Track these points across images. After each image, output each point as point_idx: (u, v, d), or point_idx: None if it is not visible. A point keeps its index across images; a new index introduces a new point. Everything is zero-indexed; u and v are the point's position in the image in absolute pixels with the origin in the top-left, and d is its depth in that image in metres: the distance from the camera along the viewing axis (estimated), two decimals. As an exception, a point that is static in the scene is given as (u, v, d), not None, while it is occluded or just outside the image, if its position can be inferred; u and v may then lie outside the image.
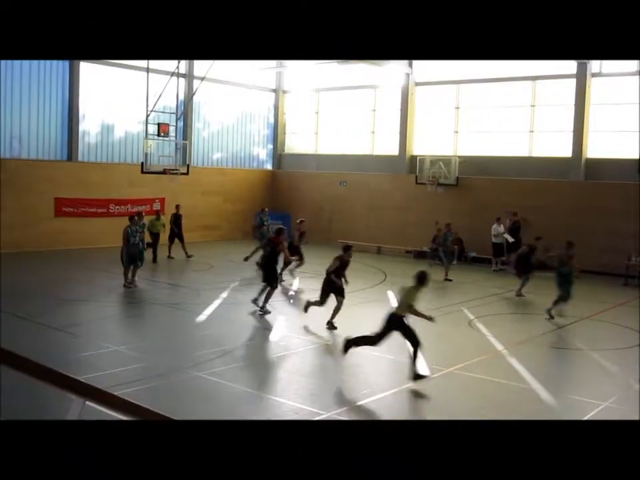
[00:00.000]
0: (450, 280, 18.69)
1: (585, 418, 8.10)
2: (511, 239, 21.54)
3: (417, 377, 8.97)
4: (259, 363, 10.62)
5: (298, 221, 19.41)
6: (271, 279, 13.63)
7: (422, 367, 9.02)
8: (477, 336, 12.52)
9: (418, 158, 25.84)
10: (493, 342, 12.18)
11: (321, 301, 12.44)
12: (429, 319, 9.12)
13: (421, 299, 9.07)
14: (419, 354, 8.92)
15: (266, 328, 12.64)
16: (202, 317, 13.50)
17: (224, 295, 15.97)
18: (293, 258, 15.68)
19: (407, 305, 8.96)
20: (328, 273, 12.29)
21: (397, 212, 26.50)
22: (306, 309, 12.59)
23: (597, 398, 9.08)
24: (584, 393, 9.26)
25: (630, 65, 20.87)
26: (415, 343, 8.97)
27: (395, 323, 9.01)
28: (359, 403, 8.66)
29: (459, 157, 25.03)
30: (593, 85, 22.64)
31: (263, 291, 13.72)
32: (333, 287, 12.13)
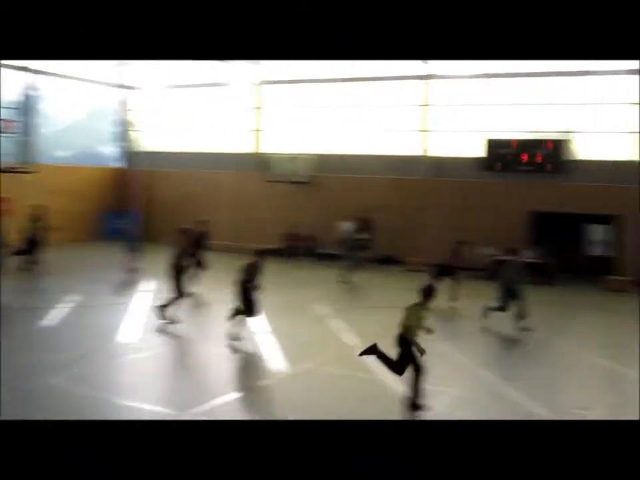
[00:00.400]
0: (353, 282, 18.25)
1: (430, 403, 8.16)
2: (362, 236, 21.97)
3: (415, 406, 8.35)
4: (111, 366, 10.11)
5: (198, 221, 17.39)
6: (182, 287, 12.50)
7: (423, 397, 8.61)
8: (331, 331, 12.51)
9: (270, 155, 26.11)
10: (347, 336, 12.22)
11: (247, 310, 11.53)
12: (422, 351, 8.72)
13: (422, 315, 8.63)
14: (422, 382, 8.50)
15: (120, 331, 12.12)
16: (54, 322, 12.90)
17: (78, 298, 15.17)
18: (191, 263, 13.90)
19: (408, 327, 8.44)
20: (242, 282, 11.34)
21: (250, 210, 26.49)
22: (231, 319, 11.62)
23: (443, 385, 9.23)
24: (431, 381, 9.35)
25: (475, 66, 21.63)
26: (418, 370, 8.37)
27: (403, 342, 8.52)
28: (215, 403, 8.44)
29: (312, 154, 25.40)
30: (438, 86, 23.38)
31: (171, 300, 12.54)
32: (248, 295, 11.23)
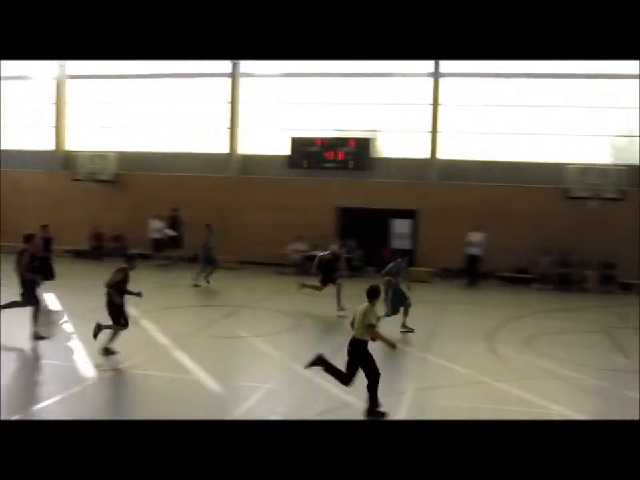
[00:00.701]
0: (208, 282, 17.88)
1: (249, 401, 8.13)
2: (171, 233, 21.93)
3: (375, 413, 8.07)
4: None
5: (40, 226, 15.20)
6: (29, 296, 11.18)
7: (379, 402, 8.52)
8: (143, 331, 12.28)
9: (75, 153, 25.69)
10: (159, 336, 12.00)
11: (122, 323, 10.65)
12: (393, 345, 8.48)
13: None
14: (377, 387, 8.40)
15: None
16: None
17: None
18: (37, 276, 11.78)
19: (366, 326, 8.23)
20: (109, 288, 10.28)
21: (56, 210, 25.72)
22: (96, 335, 10.66)
23: (258, 381, 9.24)
24: (247, 377, 9.34)
25: (283, 66, 21.81)
26: (375, 375, 8.13)
27: (358, 349, 8.28)
28: (29, 411, 7.99)
29: (118, 152, 25.18)
30: (246, 84, 23.46)
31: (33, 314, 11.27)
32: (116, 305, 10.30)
